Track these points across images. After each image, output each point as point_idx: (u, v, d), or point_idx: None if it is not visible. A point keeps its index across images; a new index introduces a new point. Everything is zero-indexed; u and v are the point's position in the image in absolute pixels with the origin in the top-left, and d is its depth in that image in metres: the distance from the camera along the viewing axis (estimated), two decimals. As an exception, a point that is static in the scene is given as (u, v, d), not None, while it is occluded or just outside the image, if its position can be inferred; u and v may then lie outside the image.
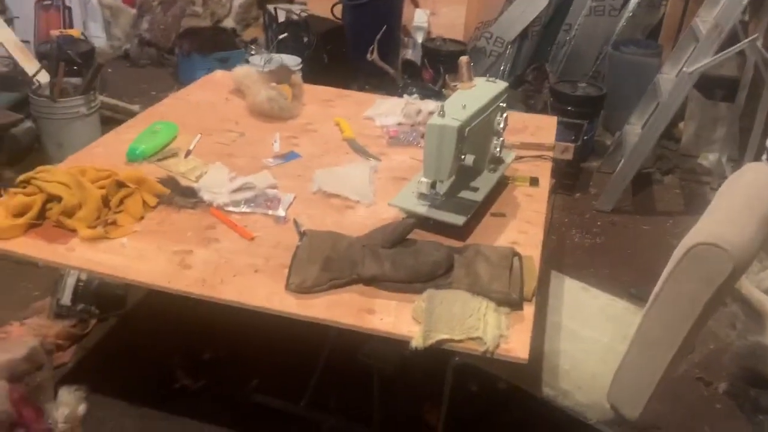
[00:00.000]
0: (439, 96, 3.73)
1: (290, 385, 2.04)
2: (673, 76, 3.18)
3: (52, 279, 2.34)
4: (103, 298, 2.32)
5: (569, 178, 3.40)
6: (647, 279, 2.69)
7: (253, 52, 4.29)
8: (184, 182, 1.68)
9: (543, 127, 2.14)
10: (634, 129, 3.43)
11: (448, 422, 1.85)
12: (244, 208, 1.59)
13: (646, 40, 4.18)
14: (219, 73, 2.47)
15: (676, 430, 2.08)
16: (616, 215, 3.25)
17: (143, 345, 2.22)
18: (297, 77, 2.25)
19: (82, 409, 1.91)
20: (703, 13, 3.15)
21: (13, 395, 1.80)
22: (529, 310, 1.30)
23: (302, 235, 1.46)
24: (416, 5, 4.80)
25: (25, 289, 2.49)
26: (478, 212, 1.57)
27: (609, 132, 4.03)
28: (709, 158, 3.72)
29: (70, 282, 2.27)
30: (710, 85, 3.64)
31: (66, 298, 2.26)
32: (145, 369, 2.14)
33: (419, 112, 2.08)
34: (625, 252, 2.98)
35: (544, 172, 1.85)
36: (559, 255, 2.91)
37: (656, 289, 1.31)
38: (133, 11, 4.95)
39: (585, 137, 3.49)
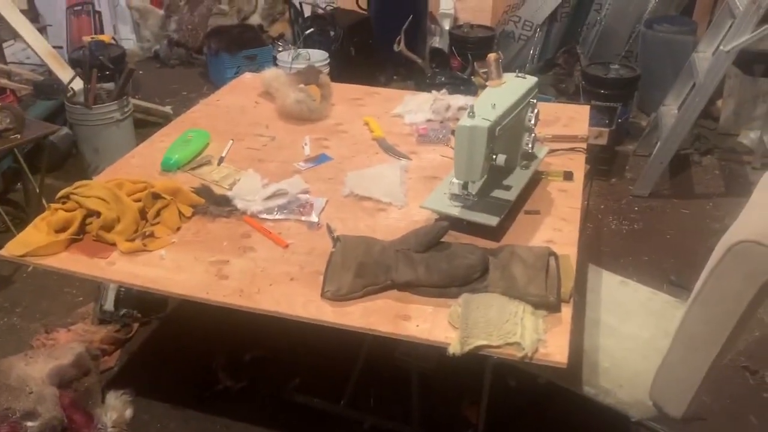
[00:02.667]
0: (468, 84, 3.70)
1: (330, 384, 2.06)
2: (710, 55, 3.08)
3: (95, 285, 2.40)
4: (144, 302, 2.37)
5: (604, 163, 3.34)
6: (688, 265, 2.67)
7: (280, 49, 4.31)
8: (218, 190, 1.69)
9: (575, 118, 2.10)
10: (670, 110, 3.35)
11: (488, 418, 1.85)
12: (277, 215, 1.60)
13: (680, 17, 4.07)
14: (248, 76, 2.48)
15: (721, 420, 2.04)
16: (654, 200, 3.19)
17: (185, 347, 2.27)
18: (325, 77, 2.25)
19: (129, 413, 1.96)
20: (739, -13, 3.04)
21: (64, 401, 1.85)
22: (566, 311, 1.29)
23: (336, 240, 1.47)
24: (442, -9, 4.74)
25: (70, 295, 2.56)
26: (511, 211, 1.55)
27: (644, 113, 3.95)
28: (749, 136, 3.61)
29: (112, 287, 2.33)
30: (749, 61, 3.53)
31: (109, 304, 2.32)
32: (187, 371, 2.18)
33: (448, 107, 2.07)
34: (664, 238, 2.92)
35: (578, 165, 1.82)
36: (596, 243, 2.87)
37: (698, 286, 1.28)
38: (161, 12, 5.00)
39: (619, 120, 3.42)
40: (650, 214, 3.09)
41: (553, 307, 1.28)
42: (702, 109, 2.98)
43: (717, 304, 1.23)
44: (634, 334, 1.63)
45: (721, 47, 2.84)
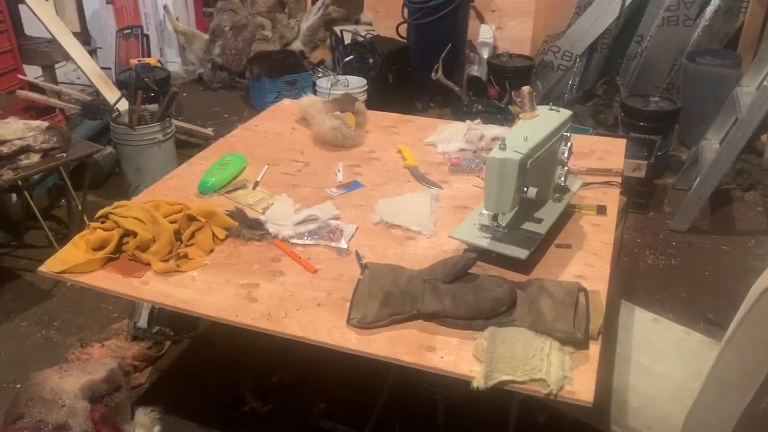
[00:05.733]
0: (506, 113, 3.70)
1: (356, 411, 2.06)
2: (754, 89, 3.02)
3: (130, 301, 2.45)
4: (177, 320, 2.41)
5: (642, 197, 3.29)
6: (727, 304, 2.59)
7: (320, 75, 4.38)
8: (251, 214, 1.72)
9: (611, 151, 2.08)
10: (711, 144, 3.29)
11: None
12: (307, 240, 1.62)
13: (724, 50, 4.01)
14: (286, 102, 2.53)
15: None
16: (693, 235, 3.12)
17: (214, 367, 2.29)
18: (360, 105, 2.28)
19: (157, 430, 1.98)
20: (785, 22, 3.00)
21: (94, 415, 1.89)
22: (594, 349, 1.27)
23: (364, 267, 1.48)
24: (482, 20, 4.78)
25: (106, 311, 2.62)
26: (542, 244, 1.54)
27: (685, 146, 3.88)
28: (794, 173, 3.52)
29: (147, 305, 2.37)
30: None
31: (143, 321, 2.36)
32: (215, 391, 2.20)
33: (482, 137, 2.07)
34: (702, 274, 2.85)
35: (612, 199, 1.80)
36: (632, 278, 2.81)
37: (730, 328, 1.25)
38: (206, 37, 5.15)
39: (658, 153, 3.37)
40: (688, 250, 3.02)
41: (581, 344, 1.26)
42: (744, 144, 2.92)
43: (750, 349, 1.20)
44: (665, 373, 1.59)
45: (765, 82, 2.79)
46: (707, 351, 1.65)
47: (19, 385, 2.21)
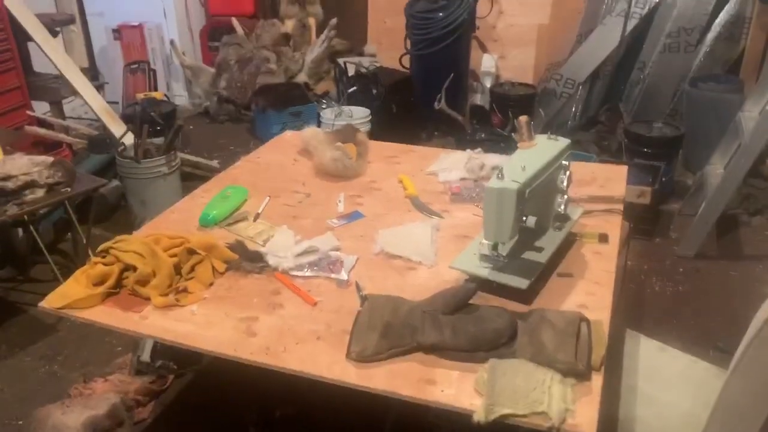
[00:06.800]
0: (509, 141, 3.71)
1: (359, 444, 2.03)
2: (756, 114, 3.03)
3: (134, 336, 2.44)
4: (180, 354, 2.39)
5: (647, 223, 3.27)
6: (736, 330, 2.54)
7: (324, 106, 4.42)
8: (251, 246, 1.72)
9: (612, 178, 2.08)
10: (715, 169, 3.28)
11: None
12: (307, 272, 1.62)
13: (726, 76, 4.02)
14: (288, 134, 2.55)
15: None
16: (700, 261, 3.09)
17: (217, 401, 2.27)
18: (362, 135, 2.29)
19: (158, 466, 1.97)
20: (785, 46, 3.01)
21: (95, 452, 1.87)
22: (597, 380, 1.25)
23: (363, 299, 1.47)
24: (484, 50, 4.83)
25: (110, 345, 2.61)
26: (543, 273, 1.53)
27: (690, 172, 3.87)
28: (801, 197, 3.50)
29: (150, 339, 2.36)
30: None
31: (146, 355, 2.35)
32: (219, 425, 2.18)
33: (482, 166, 2.07)
34: (710, 301, 2.81)
35: (614, 226, 1.78)
36: (639, 305, 2.78)
37: (737, 355, 1.23)
38: (212, 70, 5.22)
39: (663, 179, 3.36)
40: (696, 276, 2.99)
41: (583, 376, 1.24)
42: (748, 169, 2.92)
43: (757, 375, 1.17)
44: (672, 403, 1.56)
45: None
46: (714, 379, 1.62)
47: (21, 422, 2.20)
